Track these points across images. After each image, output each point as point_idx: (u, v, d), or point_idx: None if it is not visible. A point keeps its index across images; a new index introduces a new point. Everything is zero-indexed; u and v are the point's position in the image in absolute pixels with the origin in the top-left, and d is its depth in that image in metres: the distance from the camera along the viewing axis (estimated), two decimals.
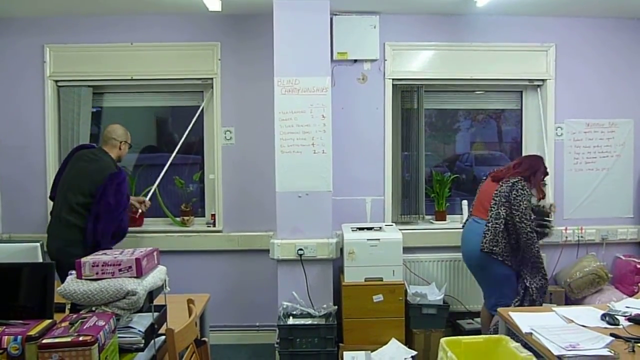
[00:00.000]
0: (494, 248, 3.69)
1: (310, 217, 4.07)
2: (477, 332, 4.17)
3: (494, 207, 3.75)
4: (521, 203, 3.68)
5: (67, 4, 4.31)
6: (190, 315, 2.58)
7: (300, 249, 4.02)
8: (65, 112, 4.57)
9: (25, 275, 2.24)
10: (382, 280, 3.98)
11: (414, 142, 4.68)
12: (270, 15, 4.01)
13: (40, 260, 2.75)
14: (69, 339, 1.75)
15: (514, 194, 3.70)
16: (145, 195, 4.49)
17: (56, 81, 4.59)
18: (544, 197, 4.04)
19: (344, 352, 3.84)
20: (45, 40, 4.56)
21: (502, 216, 3.70)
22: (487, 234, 3.72)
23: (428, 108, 4.76)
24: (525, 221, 3.66)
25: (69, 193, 3.75)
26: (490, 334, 3.64)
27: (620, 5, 4.43)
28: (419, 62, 4.66)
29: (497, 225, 3.70)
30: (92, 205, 3.68)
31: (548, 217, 4.08)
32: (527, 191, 3.74)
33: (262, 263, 4.50)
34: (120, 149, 3.98)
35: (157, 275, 2.28)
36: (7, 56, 4.58)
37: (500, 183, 3.81)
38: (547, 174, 4.03)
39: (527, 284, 3.70)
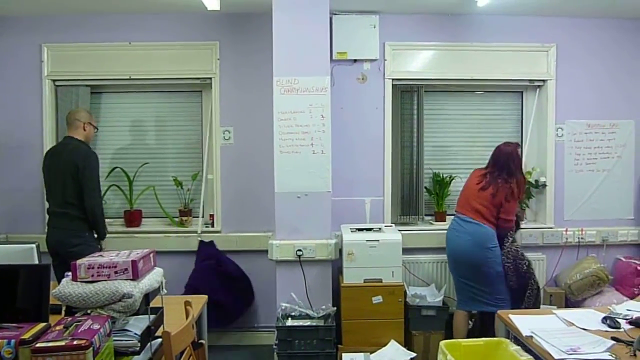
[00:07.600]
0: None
1: (309, 218, 4.03)
2: (469, 332, 4.14)
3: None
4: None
5: (64, 3, 4.29)
6: (187, 317, 2.56)
7: (299, 250, 4.00)
8: (63, 111, 4.53)
9: (20, 277, 2.22)
10: (381, 282, 3.97)
11: (414, 142, 4.66)
12: (269, 14, 3.98)
13: (36, 261, 2.73)
14: (63, 343, 1.73)
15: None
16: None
17: (54, 81, 4.58)
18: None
19: (343, 354, 3.82)
20: (42, 40, 4.54)
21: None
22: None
23: (428, 108, 4.74)
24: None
25: (56, 188, 3.87)
26: None
27: (621, 6, 4.41)
28: (419, 62, 4.65)
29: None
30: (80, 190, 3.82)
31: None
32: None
33: (261, 264, 4.48)
34: (84, 129, 4.00)
35: (153, 278, 2.26)
36: (5, 56, 4.56)
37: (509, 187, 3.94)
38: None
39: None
